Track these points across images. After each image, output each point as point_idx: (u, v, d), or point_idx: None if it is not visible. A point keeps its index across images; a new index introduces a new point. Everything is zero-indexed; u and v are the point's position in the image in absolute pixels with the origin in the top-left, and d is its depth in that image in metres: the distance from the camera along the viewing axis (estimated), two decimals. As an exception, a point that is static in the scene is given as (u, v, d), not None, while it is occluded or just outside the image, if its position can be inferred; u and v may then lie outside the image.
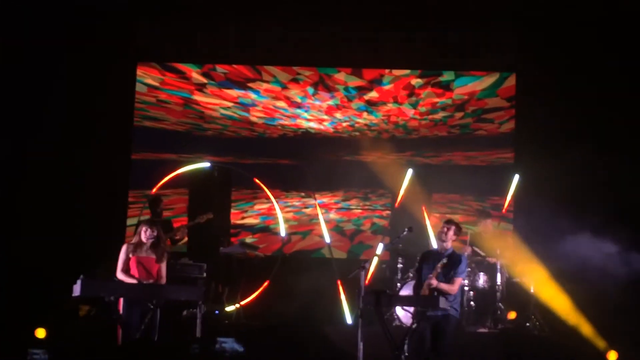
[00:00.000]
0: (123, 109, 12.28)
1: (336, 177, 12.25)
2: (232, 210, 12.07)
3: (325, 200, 12.25)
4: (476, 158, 12.25)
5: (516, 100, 12.24)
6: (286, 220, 11.89)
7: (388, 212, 11.94)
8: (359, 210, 12.23)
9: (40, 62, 11.61)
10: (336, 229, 12.24)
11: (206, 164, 11.52)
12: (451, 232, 8.34)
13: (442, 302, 7.98)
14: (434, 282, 8.11)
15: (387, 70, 12.39)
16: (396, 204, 11.42)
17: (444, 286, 8.13)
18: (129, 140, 12.28)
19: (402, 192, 11.33)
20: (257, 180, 11.51)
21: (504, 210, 11.48)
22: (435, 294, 8.11)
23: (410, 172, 11.45)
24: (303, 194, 12.20)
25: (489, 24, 11.87)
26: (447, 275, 8.17)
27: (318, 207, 11.85)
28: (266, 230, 12.17)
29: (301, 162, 12.20)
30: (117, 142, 12.11)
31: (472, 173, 12.04)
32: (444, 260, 8.14)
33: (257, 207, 12.21)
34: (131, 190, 12.14)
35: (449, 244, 8.36)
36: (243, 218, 12.25)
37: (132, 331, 8.09)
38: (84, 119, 11.82)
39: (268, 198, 11.65)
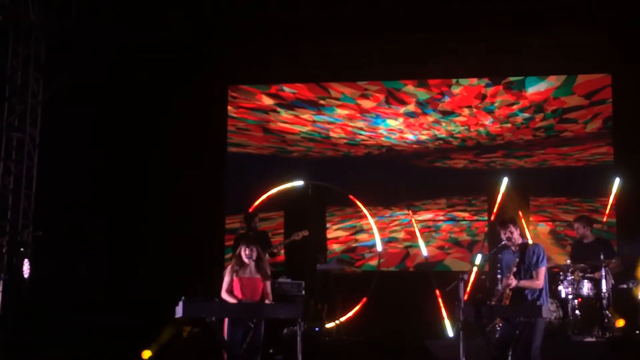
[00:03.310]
0: (216, 134, 12.52)
1: (433, 186, 12.19)
2: (343, 231, 12.14)
3: (431, 211, 12.17)
4: (571, 156, 11.98)
5: (613, 102, 11.93)
6: (397, 239, 12.03)
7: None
8: (464, 222, 12.11)
9: (133, 95, 11.97)
10: (451, 240, 12.15)
11: (299, 183, 11.60)
12: (516, 233, 8.02)
13: (545, 311, 7.78)
14: (513, 282, 7.88)
15: (453, 80, 12.27)
16: (493, 215, 11.26)
17: (525, 283, 7.86)
18: (223, 164, 12.49)
19: (498, 201, 11.17)
20: (352, 197, 11.54)
21: (605, 218, 11.18)
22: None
23: (505, 180, 11.28)
24: (406, 210, 12.14)
25: (579, 25, 11.56)
26: (527, 270, 7.94)
27: (414, 222, 11.79)
28: (383, 244, 12.14)
29: (394, 177, 12.17)
30: (213, 167, 12.35)
31: (570, 174, 11.79)
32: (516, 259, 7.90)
33: (365, 224, 12.19)
34: (228, 216, 12.32)
35: (519, 240, 8.06)
36: (354, 234, 12.27)
37: (235, 350, 8.20)
38: (182, 145, 12.08)
39: (374, 215, 11.74)
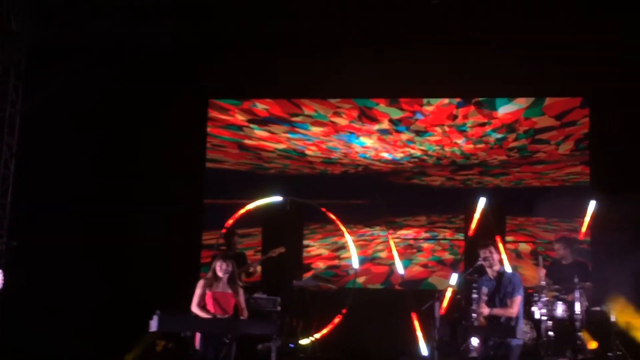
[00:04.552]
0: (194, 149, 12.48)
1: (412, 203, 12.23)
2: (325, 248, 12.18)
3: (412, 228, 12.20)
4: (546, 175, 12.07)
5: (590, 125, 12.04)
6: (381, 257, 12.07)
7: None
8: (444, 240, 12.16)
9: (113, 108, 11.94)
10: (434, 258, 12.17)
11: (278, 198, 11.59)
12: (495, 255, 8.17)
13: (519, 333, 7.83)
14: (485, 310, 7.97)
15: (424, 100, 12.37)
16: (469, 234, 11.30)
17: (499, 311, 7.99)
18: (201, 179, 12.44)
19: (474, 221, 11.21)
20: (328, 213, 11.54)
21: (580, 237, 11.26)
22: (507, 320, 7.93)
23: (483, 200, 11.33)
24: (384, 228, 12.15)
25: (554, 48, 11.64)
26: (502, 299, 8.01)
27: (391, 240, 11.80)
28: (368, 261, 12.21)
29: (372, 194, 12.21)
30: (192, 182, 12.30)
31: (546, 194, 11.87)
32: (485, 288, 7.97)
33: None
34: (205, 232, 12.28)
35: (497, 266, 8.18)
36: (337, 251, 12.28)
37: (208, 365, 8.17)
38: (161, 158, 12.04)
39: (355, 233, 11.83)
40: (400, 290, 11.66)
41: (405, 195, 12.29)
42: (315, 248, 12.34)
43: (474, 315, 8.19)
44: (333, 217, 11.56)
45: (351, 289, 11.36)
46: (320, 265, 12.29)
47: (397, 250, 11.76)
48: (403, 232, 12.23)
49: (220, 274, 8.45)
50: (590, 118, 12.06)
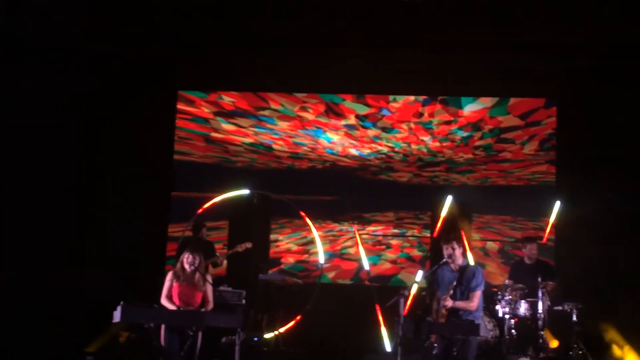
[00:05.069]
0: (162, 141, 12.39)
1: (379, 198, 12.26)
2: (295, 243, 12.16)
3: (379, 223, 12.22)
4: (512, 174, 12.17)
5: (558, 127, 12.15)
6: (350, 253, 12.11)
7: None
8: (412, 237, 12.21)
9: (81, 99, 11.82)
10: (403, 254, 12.20)
11: (245, 191, 11.56)
12: (458, 251, 8.20)
13: (483, 330, 7.90)
14: (449, 302, 8.05)
15: (390, 97, 12.41)
16: (435, 232, 11.37)
17: (460, 304, 8.06)
18: (168, 172, 12.37)
19: (441, 219, 11.28)
20: (287, 200, 11.54)
21: (544, 239, 11.37)
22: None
23: (449, 198, 11.39)
24: (352, 224, 12.16)
25: (520, 51, 11.73)
26: (463, 292, 8.09)
27: (358, 236, 11.82)
28: (337, 257, 12.24)
29: (339, 190, 12.24)
30: (157, 174, 12.22)
31: (512, 193, 11.96)
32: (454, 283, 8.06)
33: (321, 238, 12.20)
34: (171, 224, 12.21)
35: (460, 260, 8.24)
36: (306, 245, 12.28)
37: (173, 358, 8.14)
38: (130, 150, 11.94)
39: (323, 229, 11.85)
40: (367, 286, 11.68)
41: (372, 190, 12.33)
42: (284, 243, 12.34)
43: (430, 303, 8.25)
44: (302, 213, 11.55)
45: (317, 284, 11.36)
46: (290, 259, 12.29)
47: (365, 246, 11.79)
48: (372, 228, 12.26)
49: (186, 266, 8.45)
50: (557, 118, 12.17)
